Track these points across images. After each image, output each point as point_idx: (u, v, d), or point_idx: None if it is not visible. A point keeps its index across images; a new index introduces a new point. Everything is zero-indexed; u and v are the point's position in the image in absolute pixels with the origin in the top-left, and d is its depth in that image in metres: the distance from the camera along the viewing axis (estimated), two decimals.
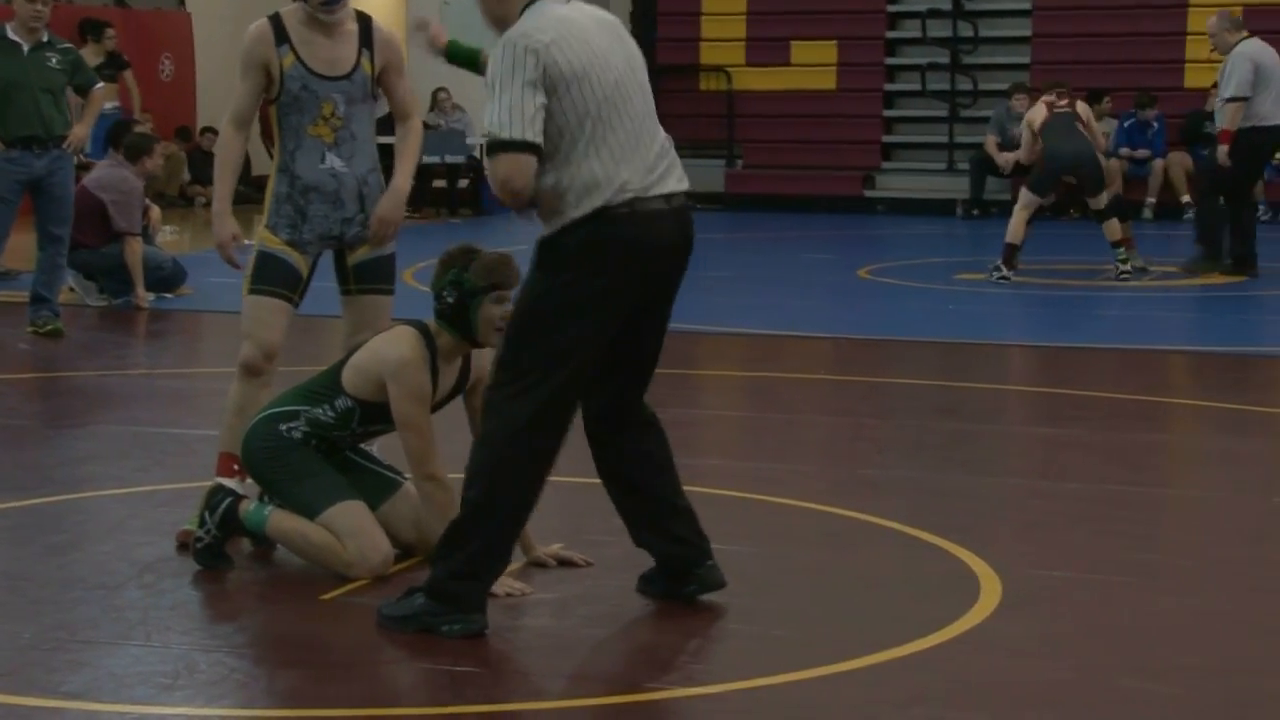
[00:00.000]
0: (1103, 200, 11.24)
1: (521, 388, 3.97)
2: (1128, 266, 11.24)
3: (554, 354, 3.98)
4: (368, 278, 4.96)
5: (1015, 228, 11.19)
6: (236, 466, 4.82)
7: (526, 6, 4.05)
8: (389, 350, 4.48)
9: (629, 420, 4.29)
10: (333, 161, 4.85)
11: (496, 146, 3.92)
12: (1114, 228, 11.24)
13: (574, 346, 3.99)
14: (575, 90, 3.94)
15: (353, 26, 4.86)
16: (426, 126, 16.49)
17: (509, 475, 3.99)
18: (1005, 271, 11.23)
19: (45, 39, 8.77)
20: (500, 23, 4.08)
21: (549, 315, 3.99)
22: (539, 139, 3.91)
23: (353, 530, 4.45)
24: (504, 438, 3.98)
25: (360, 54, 4.85)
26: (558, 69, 3.92)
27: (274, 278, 4.87)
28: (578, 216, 3.98)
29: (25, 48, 8.69)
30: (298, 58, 4.83)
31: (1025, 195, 11.29)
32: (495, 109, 3.91)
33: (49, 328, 8.66)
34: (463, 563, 3.98)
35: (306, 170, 4.86)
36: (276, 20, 4.88)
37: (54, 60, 8.74)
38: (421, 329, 4.53)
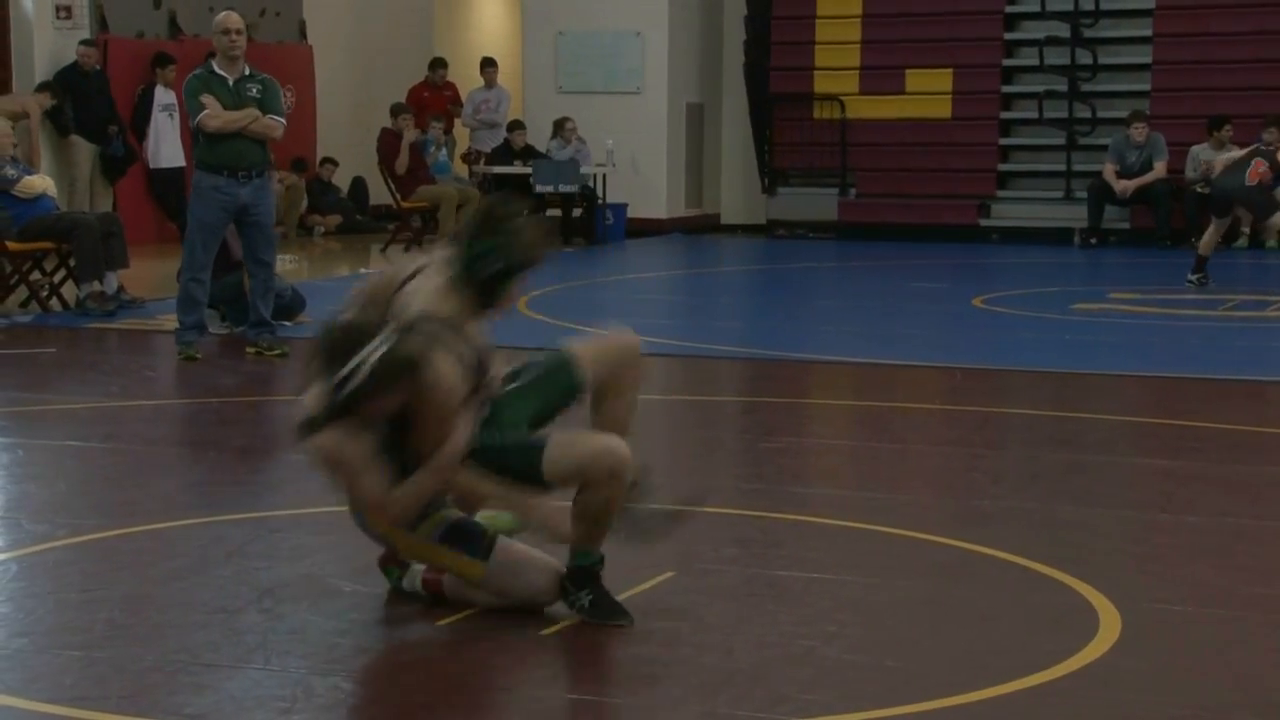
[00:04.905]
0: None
1: None
2: None
3: None
4: None
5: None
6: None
7: None
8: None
9: None
10: None
11: None
12: None
13: None
14: None
15: None
16: (545, 155, 16.75)
17: None
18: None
19: (246, 71, 9.11)
20: None
21: None
22: None
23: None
24: None
25: None
26: None
27: None
28: None
29: (230, 81, 9.02)
30: None
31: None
32: None
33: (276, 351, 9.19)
34: None
35: None
36: None
37: (254, 90, 9.07)
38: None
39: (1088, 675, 3.99)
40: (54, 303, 11.09)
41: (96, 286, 10.78)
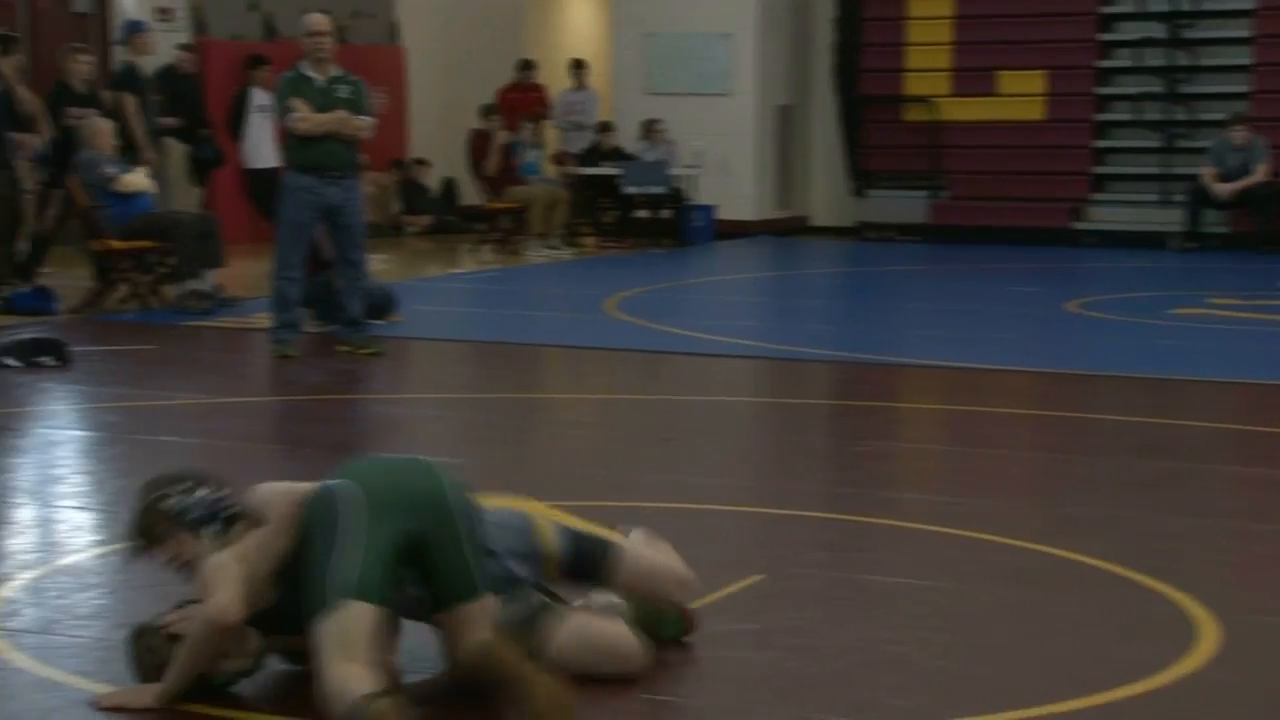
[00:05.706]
0: None
1: None
2: None
3: None
4: None
5: None
6: None
7: None
8: None
9: None
10: None
11: None
12: None
13: None
14: None
15: None
16: (634, 157, 16.77)
17: None
18: None
19: (336, 72, 9.22)
20: None
21: None
22: None
23: None
24: None
25: None
26: None
27: None
28: None
29: (319, 82, 9.13)
30: None
31: None
32: None
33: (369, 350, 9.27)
34: None
35: None
36: None
37: (344, 91, 9.18)
38: None
39: (1185, 687, 3.93)
40: (154, 300, 11.26)
41: (194, 285, 10.94)
